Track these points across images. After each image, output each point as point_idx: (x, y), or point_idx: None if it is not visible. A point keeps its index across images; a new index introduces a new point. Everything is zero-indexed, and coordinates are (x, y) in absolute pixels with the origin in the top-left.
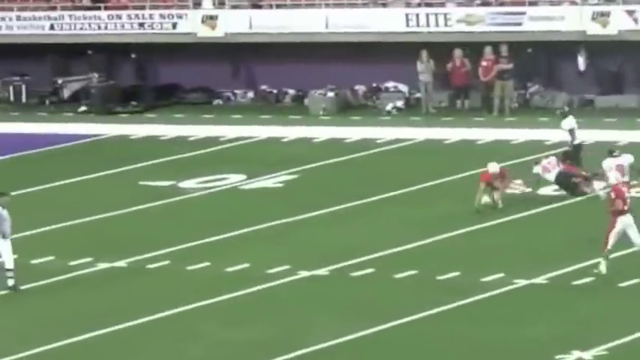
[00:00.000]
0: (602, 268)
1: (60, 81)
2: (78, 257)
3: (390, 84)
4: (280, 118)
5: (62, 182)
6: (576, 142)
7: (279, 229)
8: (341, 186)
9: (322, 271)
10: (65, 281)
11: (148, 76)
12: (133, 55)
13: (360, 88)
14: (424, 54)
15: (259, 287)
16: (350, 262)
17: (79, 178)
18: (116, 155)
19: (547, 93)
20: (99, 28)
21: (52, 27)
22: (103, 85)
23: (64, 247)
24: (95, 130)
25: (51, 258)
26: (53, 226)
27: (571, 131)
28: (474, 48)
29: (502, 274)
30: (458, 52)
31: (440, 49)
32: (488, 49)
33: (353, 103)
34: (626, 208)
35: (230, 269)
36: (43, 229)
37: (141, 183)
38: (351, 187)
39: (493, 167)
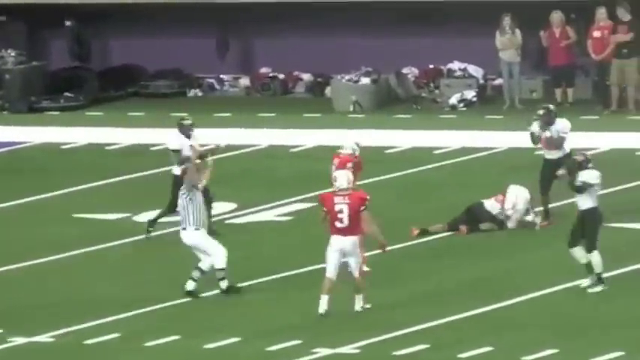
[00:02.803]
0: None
1: None
2: None
3: (456, 65)
4: (289, 116)
5: None
6: None
7: (288, 285)
8: (382, 219)
9: (350, 349)
10: None
11: (90, 55)
12: (69, 23)
13: (411, 72)
14: (507, 20)
15: None
16: (389, 335)
17: None
18: (40, 174)
19: None
20: None
21: None
22: (22, 67)
23: None
24: (10, 135)
25: None
26: None
27: None
28: (581, 10)
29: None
30: (557, 17)
31: (531, 13)
32: (602, 12)
33: (400, 95)
34: (340, 225)
35: (210, 345)
36: None
37: (76, 216)
38: (399, 221)
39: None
